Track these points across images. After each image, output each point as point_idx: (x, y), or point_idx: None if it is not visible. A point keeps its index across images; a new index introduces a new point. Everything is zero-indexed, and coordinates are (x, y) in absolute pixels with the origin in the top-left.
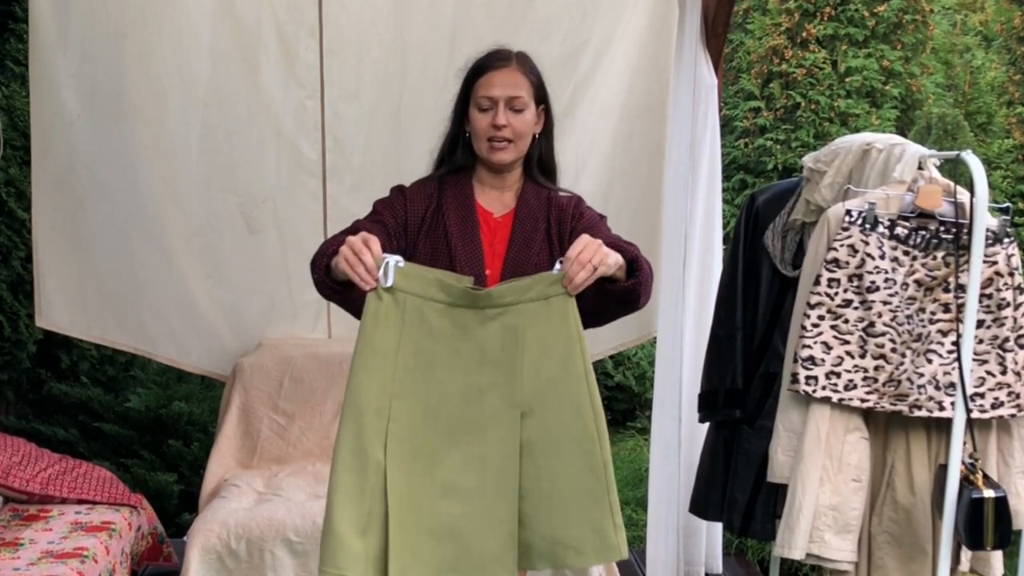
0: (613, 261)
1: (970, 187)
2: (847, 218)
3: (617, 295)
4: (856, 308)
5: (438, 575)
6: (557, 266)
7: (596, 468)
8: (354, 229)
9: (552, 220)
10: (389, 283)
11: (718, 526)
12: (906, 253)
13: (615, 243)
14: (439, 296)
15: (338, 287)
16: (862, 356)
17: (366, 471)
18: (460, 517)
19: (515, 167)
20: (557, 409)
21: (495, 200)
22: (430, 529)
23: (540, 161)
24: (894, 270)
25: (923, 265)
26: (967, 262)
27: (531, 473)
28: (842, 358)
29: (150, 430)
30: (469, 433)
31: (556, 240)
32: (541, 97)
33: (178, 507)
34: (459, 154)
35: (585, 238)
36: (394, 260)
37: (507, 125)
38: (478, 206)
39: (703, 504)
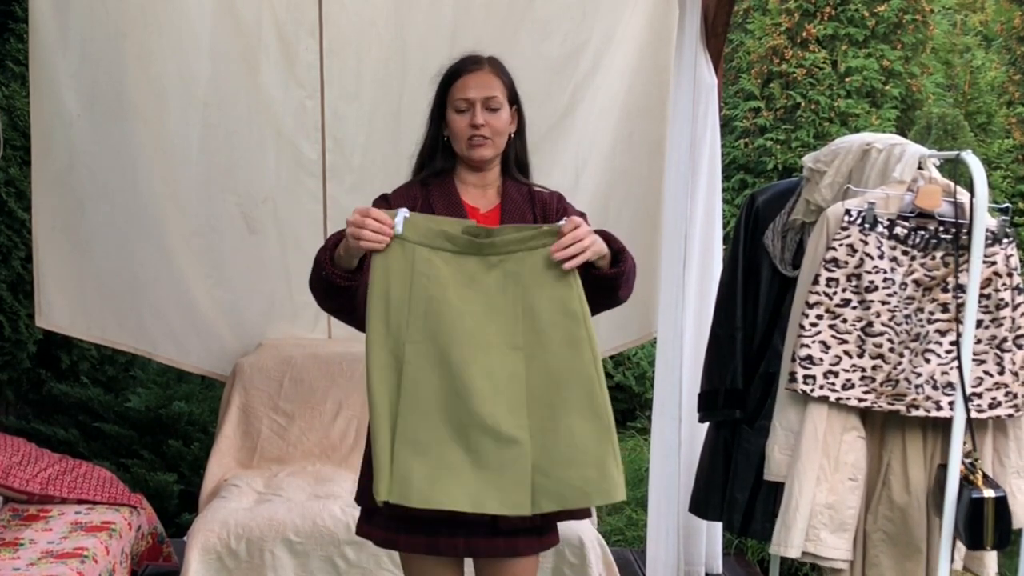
0: (597, 249)
1: (970, 187)
2: (846, 218)
3: (599, 281)
4: (855, 308)
5: (454, 503)
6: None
7: (597, 408)
8: (338, 238)
9: (537, 213)
10: (400, 230)
11: (718, 526)
12: (905, 253)
13: (604, 235)
14: (445, 245)
15: (348, 276)
16: (860, 356)
17: (383, 412)
18: (477, 455)
19: (494, 165)
20: (558, 351)
21: (479, 197)
22: (447, 463)
23: (517, 159)
24: (893, 270)
25: (922, 265)
26: (966, 262)
27: (537, 413)
28: (840, 357)
29: (150, 430)
30: (480, 376)
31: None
32: (513, 98)
33: (178, 507)
34: (439, 158)
35: (580, 220)
36: (403, 212)
37: (485, 124)
38: (464, 203)
39: (703, 504)
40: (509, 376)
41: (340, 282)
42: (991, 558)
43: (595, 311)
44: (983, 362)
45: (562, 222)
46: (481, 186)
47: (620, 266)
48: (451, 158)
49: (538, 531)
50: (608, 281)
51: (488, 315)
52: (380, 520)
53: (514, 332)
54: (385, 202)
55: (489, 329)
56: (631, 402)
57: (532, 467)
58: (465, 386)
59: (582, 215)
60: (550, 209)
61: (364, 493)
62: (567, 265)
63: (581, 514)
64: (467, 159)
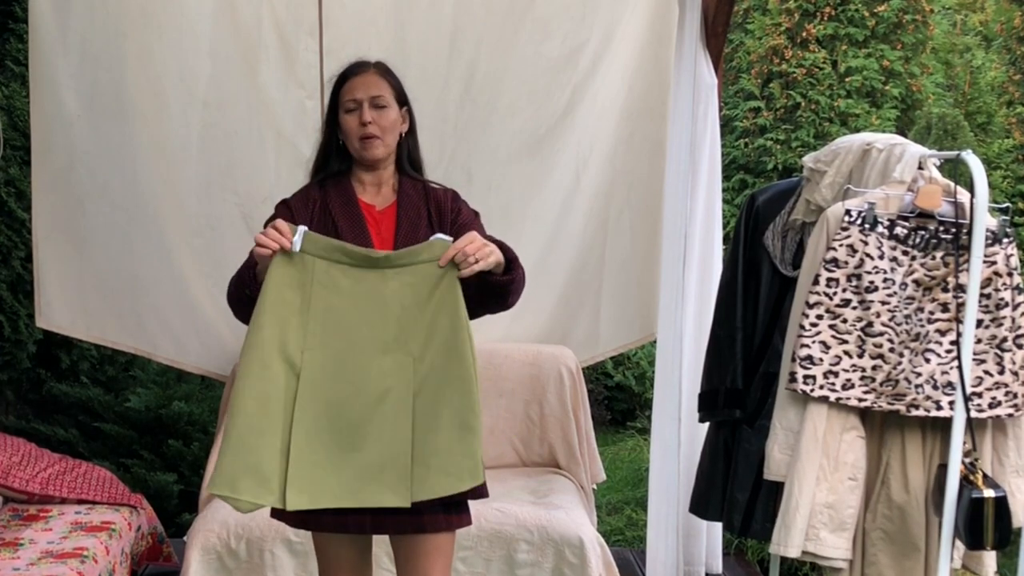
0: (494, 260)
1: (970, 187)
2: (846, 218)
3: (491, 287)
4: (855, 308)
5: (337, 500)
6: (439, 235)
7: (473, 405)
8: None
9: (432, 209)
10: (298, 248)
11: (718, 526)
12: (905, 253)
13: (498, 244)
14: (343, 259)
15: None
16: (860, 355)
17: (268, 415)
18: (361, 452)
19: (388, 164)
20: (445, 355)
21: (375, 195)
22: (333, 462)
23: (410, 157)
24: (893, 270)
25: (922, 265)
26: (966, 262)
27: (422, 411)
28: (840, 357)
29: (150, 430)
30: (374, 379)
31: (437, 228)
32: (402, 100)
33: (178, 507)
34: (334, 160)
35: (475, 235)
36: (302, 228)
37: (372, 121)
38: (360, 202)
39: (703, 504)
40: (401, 380)
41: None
42: (990, 557)
43: (483, 314)
44: (983, 362)
45: (447, 239)
46: (376, 185)
47: (512, 273)
48: (347, 160)
49: (444, 508)
50: (500, 287)
51: (384, 323)
52: None
53: (408, 339)
54: (285, 207)
55: (385, 336)
56: (631, 402)
57: (412, 460)
58: (359, 390)
59: (476, 214)
60: (444, 207)
61: None
62: (463, 273)
63: (478, 493)
64: (360, 158)
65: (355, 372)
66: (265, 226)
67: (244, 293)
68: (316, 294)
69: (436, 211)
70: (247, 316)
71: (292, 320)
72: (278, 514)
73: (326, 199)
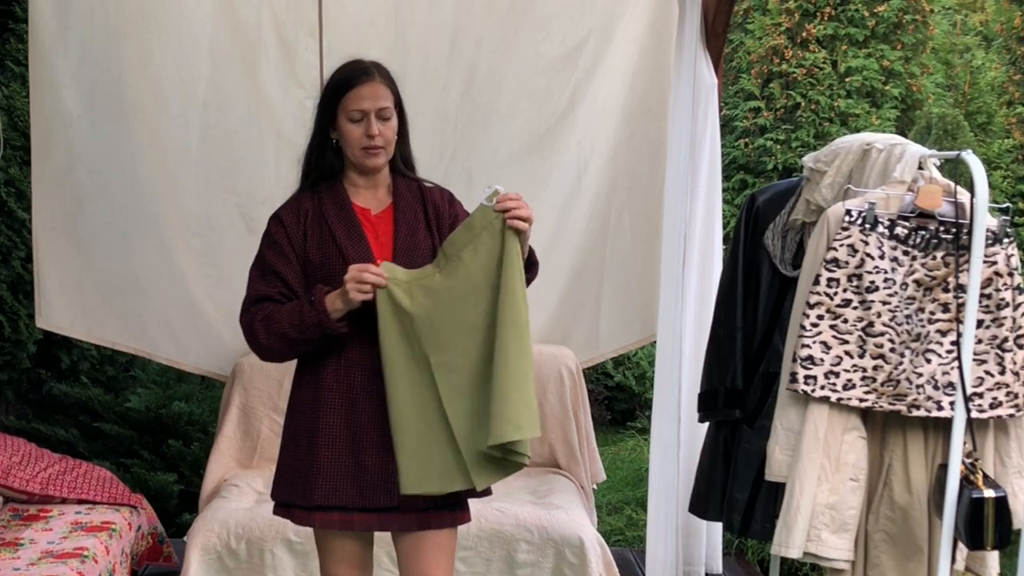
0: (526, 227)
1: (970, 187)
2: (847, 218)
3: None
4: (855, 308)
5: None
6: (487, 190)
7: (528, 351)
8: (255, 296)
9: (428, 210)
10: (386, 280)
11: (718, 526)
12: (906, 253)
13: None
14: (415, 275)
15: (344, 325)
16: (861, 356)
17: (427, 419)
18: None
19: (384, 167)
20: (511, 302)
21: (370, 199)
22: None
23: (403, 157)
24: (893, 270)
25: (922, 265)
26: (967, 262)
27: (496, 367)
28: (841, 358)
29: (150, 430)
30: (482, 357)
31: (435, 228)
32: (398, 103)
33: (178, 507)
34: (327, 161)
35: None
36: (384, 264)
37: (379, 134)
38: (355, 206)
39: (703, 504)
40: (486, 347)
41: (341, 331)
42: (992, 558)
43: None
44: (984, 362)
45: (492, 190)
46: (371, 188)
47: (534, 270)
48: (339, 159)
49: (449, 507)
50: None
51: (477, 304)
52: (296, 502)
53: (495, 303)
54: (279, 223)
55: (480, 311)
56: (631, 402)
57: (491, 415)
58: (472, 371)
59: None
60: (441, 210)
61: (278, 489)
62: (515, 223)
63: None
64: (360, 167)
65: (481, 353)
66: (264, 239)
67: (320, 335)
68: (416, 309)
69: (433, 213)
70: (293, 354)
71: (407, 338)
72: (283, 513)
73: (320, 206)
